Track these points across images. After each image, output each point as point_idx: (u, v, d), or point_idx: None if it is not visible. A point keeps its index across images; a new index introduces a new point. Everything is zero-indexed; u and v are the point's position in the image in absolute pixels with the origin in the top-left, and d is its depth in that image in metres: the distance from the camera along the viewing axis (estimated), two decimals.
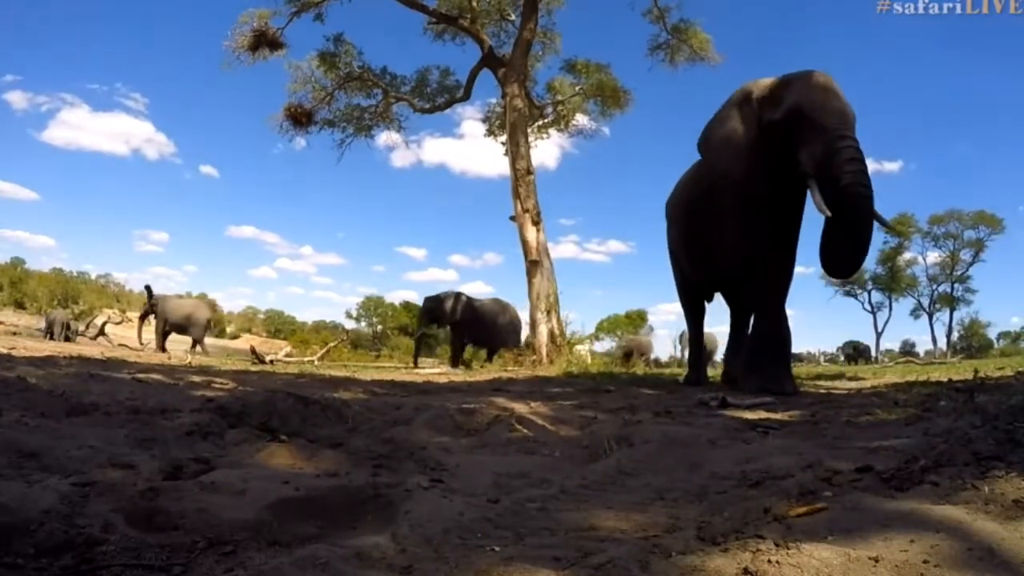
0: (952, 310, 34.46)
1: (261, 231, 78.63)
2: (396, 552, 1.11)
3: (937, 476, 1.30)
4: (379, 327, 38.76)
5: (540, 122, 14.77)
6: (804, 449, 1.93)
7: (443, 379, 6.69)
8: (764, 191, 4.58)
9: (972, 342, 35.76)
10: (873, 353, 29.92)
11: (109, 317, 18.84)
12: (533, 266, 10.40)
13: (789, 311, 5.00)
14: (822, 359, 31.07)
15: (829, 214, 4.05)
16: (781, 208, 4.65)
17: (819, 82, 4.31)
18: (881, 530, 1.04)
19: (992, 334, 37.26)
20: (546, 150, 42.78)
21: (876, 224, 4.18)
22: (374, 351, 26.09)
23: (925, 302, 34.72)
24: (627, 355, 15.77)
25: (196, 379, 4.54)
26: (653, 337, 33.51)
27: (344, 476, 1.63)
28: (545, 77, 14.96)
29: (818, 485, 1.39)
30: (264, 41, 12.92)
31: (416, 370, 9.83)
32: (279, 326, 45.79)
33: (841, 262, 4.27)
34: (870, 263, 31.69)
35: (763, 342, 4.75)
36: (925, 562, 0.92)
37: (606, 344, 27.89)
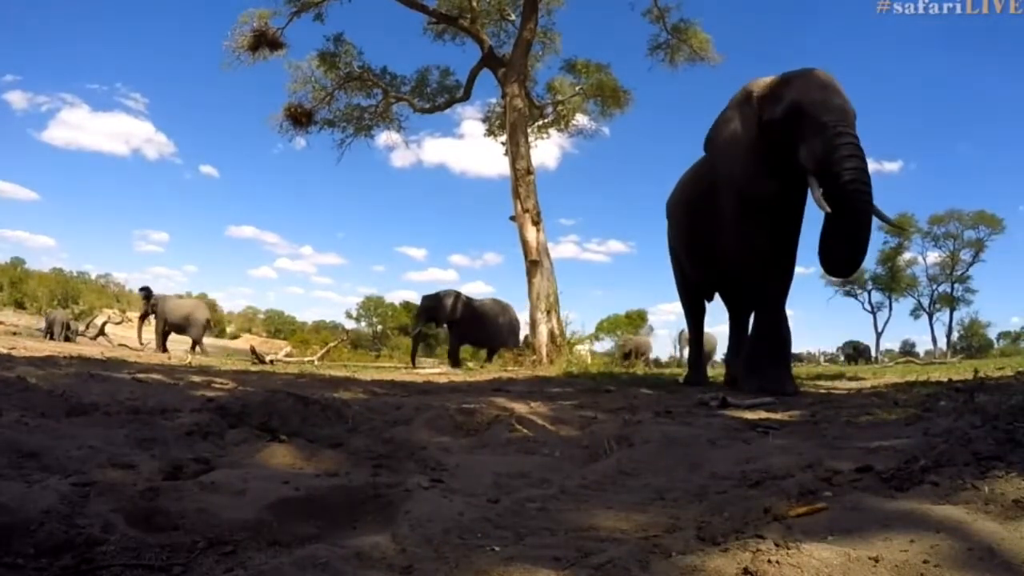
0: (952, 310, 34.50)
1: (261, 231, 78.64)
2: (396, 552, 1.11)
3: (937, 476, 1.31)
4: (379, 327, 38.79)
5: (540, 122, 14.77)
6: (804, 449, 1.93)
7: (443, 379, 6.69)
8: (764, 191, 4.56)
9: (972, 342, 35.78)
10: (873, 353, 29.94)
11: (109, 317, 18.83)
12: (533, 266, 10.41)
13: (789, 311, 5.00)
14: (822, 359, 31.07)
15: (829, 210, 4.02)
16: (781, 208, 4.64)
17: (819, 79, 4.29)
18: (881, 530, 1.04)
19: (992, 334, 37.33)
20: (546, 150, 42.78)
21: (878, 222, 4.18)
22: (374, 351, 26.11)
23: (925, 302, 34.77)
24: (626, 355, 15.79)
25: (196, 379, 4.54)
26: (653, 337, 33.54)
27: (344, 476, 1.63)
28: (545, 77, 14.99)
29: (818, 485, 1.39)
30: (264, 41, 12.91)
31: (416, 370, 9.83)
32: (279, 326, 45.79)
33: (841, 261, 4.24)
34: (870, 263, 31.73)
35: (763, 342, 4.75)
36: (925, 562, 0.92)
37: (606, 344, 27.91)
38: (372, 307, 40.68)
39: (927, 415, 2.48)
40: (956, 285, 34.14)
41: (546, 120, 14.94)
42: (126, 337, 16.05)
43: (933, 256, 34.29)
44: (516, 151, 11.02)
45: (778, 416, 3.00)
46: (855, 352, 25.87)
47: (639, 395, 4.40)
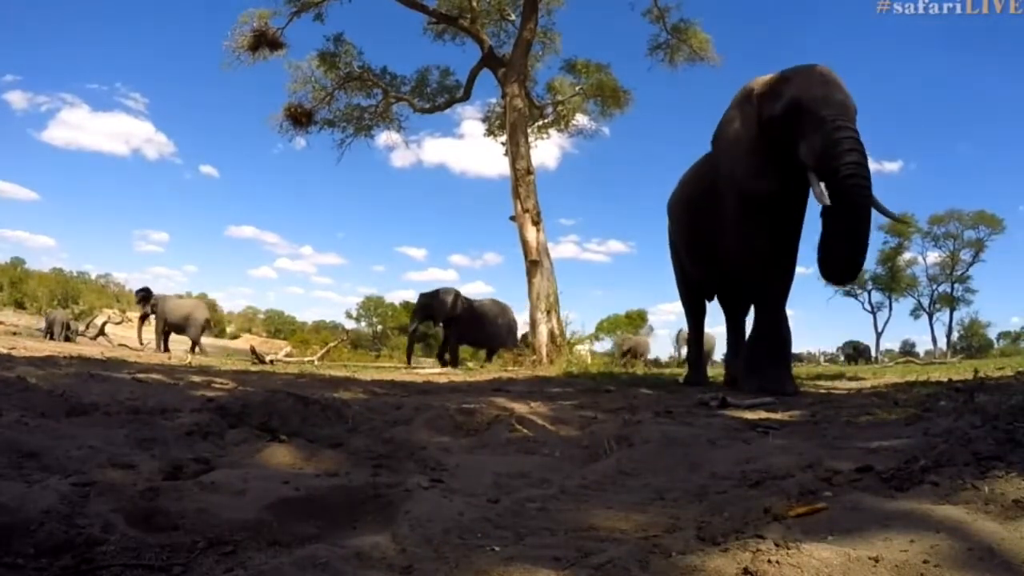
0: (952, 310, 34.52)
1: (261, 231, 78.73)
2: (396, 552, 1.11)
3: (937, 476, 1.31)
4: (379, 327, 38.81)
5: (540, 122, 14.77)
6: (804, 449, 1.93)
7: (443, 379, 6.69)
8: (764, 190, 4.54)
9: (972, 342, 35.81)
10: (873, 353, 29.95)
11: (109, 317, 18.85)
12: (533, 266, 10.41)
13: (789, 311, 4.99)
14: (822, 359, 31.09)
15: (828, 203, 3.98)
16: (782, 208, 4.62)
17: (819, 75, 4.24)
18: (881, 530, 1.04)
19: (992, 334, 37.37)
20: (546, 150, 42.79)
21: (878, 221, 4.14)
22: (374, 351, 26.12)
23: (925, 302, 34.80)
24: (624, 355, 15.78)
25: (196, 379, 4.54)
26: (653, 337, 33.57)
27: (344, 476, 1.63)
28: (545, 77, 14.99)
29: (818, 485, 1.39)
30: (264, 41, 12.92)
31: (416, 370, 9.83)
32: (279, 326, 45.82)
33: (841, 260, 4.10)
34: (870, 263, 31.69)
35: (763, 342, 4.74)
36: (925, 562, 0.92)
37: (606, 344, 27.91)
38: (372, 307, 40.70)
39: (927, 415, 2.48)
40: (956, 285, 34.19)
41: (546, 120, 14.94)
42: (126, 337, 16.06)
43: (933, 256, 34.36)
44: (516, 151, 11.02)
45: (778, 416, 3.00)
46: (855, 352, 25.87)
47: (639, 395, 4.40)
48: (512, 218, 10.99)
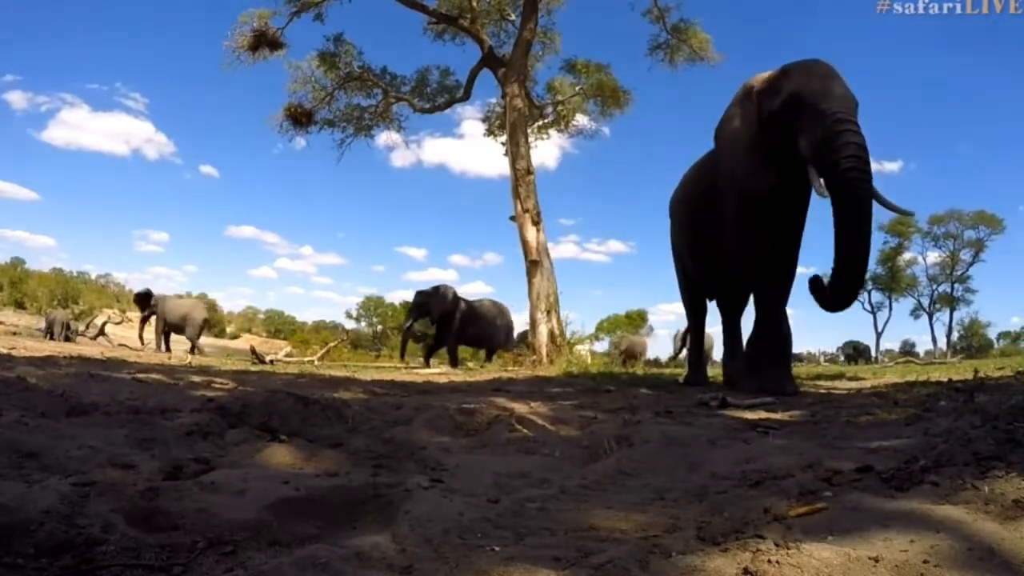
0: (952, 310, 34.53)
1: (261, 231, 78.86)
2: (396, 552, 1.11)
3: (937, 476, 1.30)
4: (379, 327, 38.78)
5: (540, 122, 14.76)
6: (804, 449, 1.93)
7: (443, 379, 6.69)
8: (764, 189, 4.49)
9: (972, 342, 35.81)
10: (873, 353, 29.94)
11: (109, 317, 18.84)
12: (533, 266, 10.41)
13: (789, 311, 4.97)
14: (822, 359, 31.09)
15: (827, 195, 3.93)
16: (783, 207, 4.58)
17: (818, 69, 4.20)
18: (881, 530, 1.04)
19: (992, 334, 37.37)
20: (546, 150, 42.79)
21: (879, 220, 4.10)
22: (374, 351, 26.10)
23: (925, 302, 34.81)
24: (623, 357, 15.78)
25: (196, 379, 4.54)
26: (653, 337, 33.57)
27: (344, 476, 1.63)
28: (545, 77, 14.98)
29: (818, 485, 1.39)
30: (264, 41, 12.91)
31: (416, 370, 9.83)
32: (279, 326, 45.87)
33: (842, 260, 3.95)
34: (870, 263, 31.65)
35: (763, 342, 4.73)
36: (925, 562, 0.92)
37: (606, 344, 27.90)
38: (372, 307, 40.69)
39: (927, 415, 2.48)
40: (956, 285, 34.20)
41: (546, 120, 14.94)
42: (126, 337, 16.06)
43: (933, 256, 34.37)
44: (516, 151, 11.02)
45: (778, 416, 3.00)
46: (855, 352, 25.87)
47: (639, 395, 4.40)
48: (512, 218, 10.99)
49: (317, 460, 1.87)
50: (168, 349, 13.48)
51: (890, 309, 34.87)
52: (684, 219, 5.87)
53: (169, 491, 1.35)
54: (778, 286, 4.81)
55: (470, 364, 12.80)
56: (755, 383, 4.46)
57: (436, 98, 14.49)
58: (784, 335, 4.78)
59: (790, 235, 4.73)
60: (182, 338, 14.28)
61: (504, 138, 12.44)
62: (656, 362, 20.32)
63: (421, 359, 13.67)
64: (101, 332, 16.00)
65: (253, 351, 10.94)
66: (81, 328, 15.91)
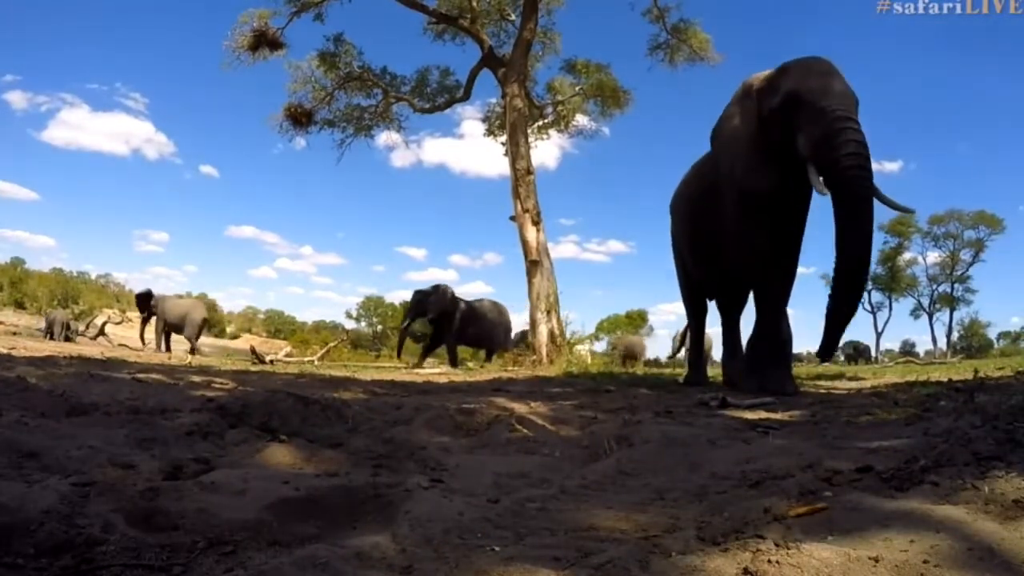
0: (952, 310, 34.53)
1: (261, 231, 79.02)
2: (396, 552, 1.11)
3: (937, 476, 1.30)
4: (379, 327, 38.79)
5: (540, 122, 14.77)
6: (804, 449, 1.93)
7: (443, 379, 6.69)
8: (764, 188, 4.45)
9: (972, 342, 35.81)
10: (873, 353, 29.94)
11: (109, 317, 18.86)
12: (533, 266, 10.41)
13: (789, 311, 4.95)
14: None
15: (827, 192, 3.91)
16: (783, 207, 4.54)
17: (818, 66, 4.17)
18: (881, 530, 1.04)
19: (992, 334, 37.38)
20: (546, 150, 42.83)
21: (879, 220, 4.04)
22: (374, 351, 26.11)
23: (925, 302, 34.81)
24: (623, 357, 15.76)
25: (196, 379, 4.54)
26: (653, 337, 33.56)
27: (344, 476, 1.63)
28: (545, 77, 14.99)
29: (818, 485, 1.39)
30: (264, 41, 12.92)
31: (416, 370, 9.83)
32: (279, 326, 45.90)
33: (844, 260, 3.91)
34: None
35: (764, 342, 4.72)
36: (925, 562, 0.92)
37: (606, 344, 27.88)
38: (372, 307, 40.71)
39: (927, 415, 2.48)
40: (956, 285, 34.20)
41: (546, 120, 14.94)
42: (126, 337, 16.07)
43: (933, 256, 34.37)
44: (516, 151, 11.02)
45: (778, 416, 3.00)
46: (855, 352, 25.86)
47: (639, 395, 4.40)
48: (512, 218, 10.99)
49: (317, 460, 1.87)
50: (168, 349, 13.49)
51: (890, 309, 34.90)
52: (685, 218, 5.86)
53: (169, 491, 1.35)
54: (778, 286, 4.79)
55: (470, 364, 12.79)
56: (755, 383, 4.45)
57: (436, 98, 14.50)
58: (784, 335, 4.77)
59: (790, 235, 4.70)
60: (183, 338, 14.29)
61: (504, 138, 12.44)
62: (656, 362, 20.31)
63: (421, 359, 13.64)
64: (101, 332, 16.02)
65: (253, 351, 10.95)
66: (81, 328, 15.92)
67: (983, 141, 57.28)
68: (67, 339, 13.98)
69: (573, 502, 1.51)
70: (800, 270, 4.90)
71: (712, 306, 6.25)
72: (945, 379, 4.64)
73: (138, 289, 15.61)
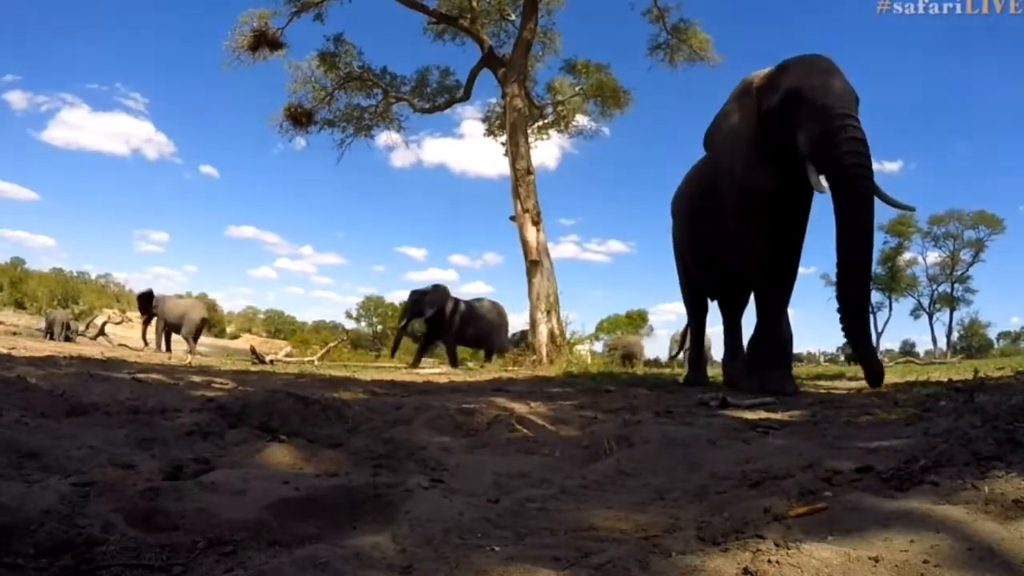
0: (952, 310, 34.50)
1: (261, 231, 79.14)
2: (396, 552, 1.11)
3: (937, 476, 1.30)
4: (379, 327, 38.78)
5: (540, 122, 14.76)
6: (804, 449, 1.93)
7: (443, 379, 6.69)
8: (764, 186, 4.42)
9: (972, 342, 35.80)
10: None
11: (109, 317, 18.85)
12: (533, 266, 10.41)
13: (789, 311, 4.95)
14: (822, 359, 31.04)
15: (825, 190, 3.89)
16: (783, 207, 4.51)
17: (818, 64, 4.15)
18: (881, 530, 1.04)
19: (992, 334, 37.35)
20: (546, 150, 42.86)
21: (879, 220, 3.99)
22: (374, 351, 26.09)
23: (925, 302, 34.76)
24: (623, 358, 15.75)
25: (196, 379, 4.54)
26: (653, 337, 33.54)
27: (344, 476, 1.63)
28: (545, 77, 14.99)
29: (818, 485, 1.39)
30: (264, 41, 12.92)
31: (416, 370, 9.83)
32: (279, 326, 45.93)
33: (845, 259, 3.89)
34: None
35: (764, 342, 4.70)
36: (925, 562, 0.92)
37: (603, 345, 27.86)
38: (372, 307, 40.72)
39: (927, 415, 2.48)
40: (956, 285, 34.16)
41: (546, 120, 14.94)
42: (126, 337, 16.07)
43: (933, 256, 34.33)
44: (516, 151, 11.02)
45: (778, 416, 3.00)
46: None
47: (639, 395, 4.40)
48: (512, 218, 10.99)
49: (317, 460, 1.87)
50: (168, 349, 13.49)
51: (890, 309, 34.85)
52: (685, 218, 5.86)
53: (169, 491, 1.35)
54: (778, 286, 4.77)
55: (470, 364, 12.79)
56: (755, 383, 4.45)
57: (436, 98, 14.50)
58: (785, 335, 4.76)
59: (791, 235, 4.67)
60: (183, 338, 14.28)
61: (504, 138, 12.44)
62: (656, 362, 20.29)
63: (424, 359, 13.63)
64: (101, 332, 16.02)
65: (253, 351, 10.95)
66: (81, 328, 15.92)
67: (983, 141, 57.38)
68: (67, 339, 13.98)
69: (573, 502, 1.51)
70: (800, 270, 4.88)
71: (713, 306, 6.25)
72: (945, 379, 4.63)
73: (138, 289, 15.62)
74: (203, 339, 14.96)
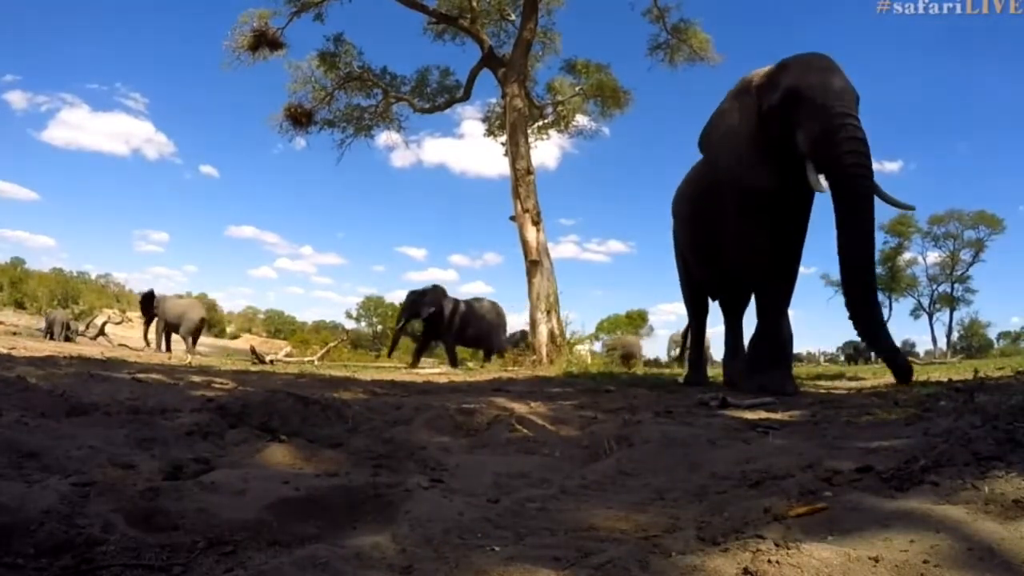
0: (952, 310, 34.47)
1: (261, 231, 79.17)
2: (396, 552, 1.11)
3: (937, 476, 1.30)
4: (379, 327, 38.77)
5: (540, 122, 14.77)
6: (804, 449, 1.93)
7: (443, 379, 6.69)
8: (765, 187, 4.40)
9: (972, 342, 35.78)
10: (873, 353, 29.84)
11: (109, 317, 18.85)
12: (533, 266, 10.41)
13: (789, 311, 4.94)
14: (822, 359, 31.05)
15: (824, 190, 3.88)
16: (784, 207, 4.50)
17: (818, 63, 4.14)
18: (881, 530, 1.04)
19: (992, 334, 37.32)
20: (546, 150, 42.85)
21: (879, 220, 3.97)
22: (374, 351, 26.07)
23: (925, 302, 34.73)
24: (623, 358, 15.74)
25: (196, 379, 4.54)
26: (653, 337, 33.53)
27: (344, 476, 1.63)
28: (545, 77, 14.99)
29: (818, 485, 1.39)
30: (264, 41, 12.92)
31: (416, 370, 9.83)
32: (279, 326, 45.93)
33: (846, 258, 3.90)
34: None
35: (764, 342, 4.70)
36: (925, 562, 0.92)
37: (601, 345, 27.84)
38: (372, 307, 40.72)
39: (927, 415, 2.48)
40: (956, 285, 34.13)
41: (546, 120, 14.94)
42: (126, 337, 16.07)
43: (933, 256, 34.29)
44: (516, 151, 11.02)
45: (778, 416, 3.00)
46: (855, 352, 25.82)
47: (639, 395, 4.40)
48: (512, 218, 10.99)
49: (317, 460, 1.87)
50: (168, 349, 13.49)
51: (890, 309, 34.77)
52: (686, 218, 5.85)
53: (169, 491, 1.35)
54: (779, 286, 4.76)
55: (470, 364, 12.79)
56: (755, 383, 4.44)
57: (436, 98, 14.50)
58: (785, 336, 4.75)
59: (791, 234, 4.66)
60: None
61: (504, 138, 12.44)
62: (656, 362, 20.29)
63: (424, 359, 13.63)
64: (101, 332, 16.01)
65: (253, 351, 10.95)
66: (81, 328, 15.92)
67: (983, 141, 57.38)
68: (67, 339, 13.98)
69: (573, 502, 1.51)
70: (800, 270, 4.87)
71: (714, 306, 6.24)
72: (945, 379, 4.63)
73: (138, 289, 15.65)
74: (203, 339, 14.96)
